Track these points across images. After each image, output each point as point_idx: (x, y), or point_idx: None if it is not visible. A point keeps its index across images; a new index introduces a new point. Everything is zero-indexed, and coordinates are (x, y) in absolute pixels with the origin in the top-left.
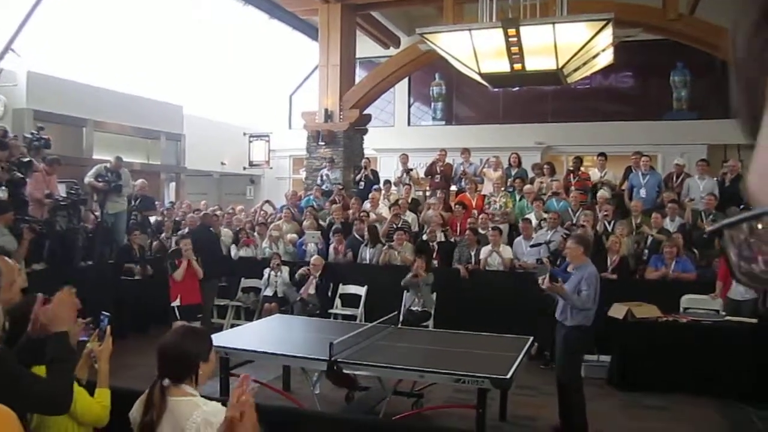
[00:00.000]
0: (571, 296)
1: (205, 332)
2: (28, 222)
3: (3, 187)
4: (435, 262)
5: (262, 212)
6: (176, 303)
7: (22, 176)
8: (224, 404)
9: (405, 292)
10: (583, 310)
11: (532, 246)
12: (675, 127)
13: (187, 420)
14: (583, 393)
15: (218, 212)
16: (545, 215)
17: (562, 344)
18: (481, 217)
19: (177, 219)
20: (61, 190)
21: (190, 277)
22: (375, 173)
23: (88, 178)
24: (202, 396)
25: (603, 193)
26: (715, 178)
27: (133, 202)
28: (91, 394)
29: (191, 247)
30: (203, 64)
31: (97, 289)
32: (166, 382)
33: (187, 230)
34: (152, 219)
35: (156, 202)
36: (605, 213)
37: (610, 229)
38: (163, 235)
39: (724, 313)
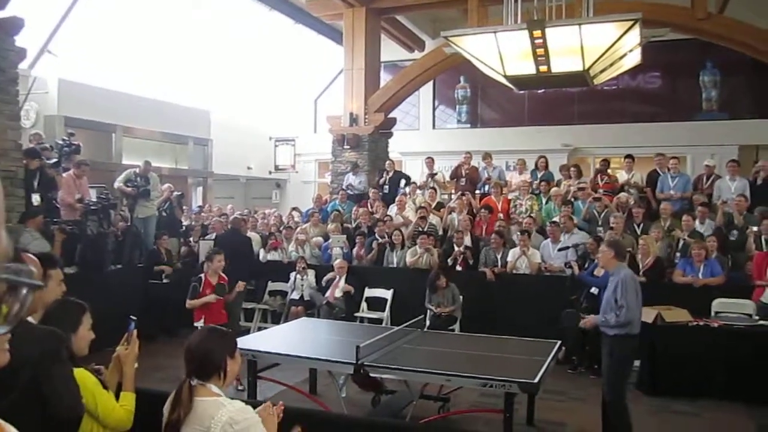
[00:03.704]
0: (609, 321)
1: (228, 331)
2: (58, 223)
3: (35, 193)
4: (459, 267)
5: (290, 217)
6: (199, 323)
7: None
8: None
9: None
10: (629, 321)
11: (559, 249)
12: (705, 128)
13: (212, 419)
14: (628, 416)
15: (246, 216)
16: (575, 219)
17: (607, 357)
18: (512, 226)
19: (205, 223)
20: (92, 195)
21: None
22: (400, 173)
23: (118, 183)
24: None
25: (624, 195)
26: (746, 179)
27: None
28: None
29: (223, 263)
30: (230, 70)
31: (126, 293)
32: (194, 381)
33: (214, 235)
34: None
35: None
36: (635, 216)
37: (639, 231)
38: (191, 239)
39: (757, 317)
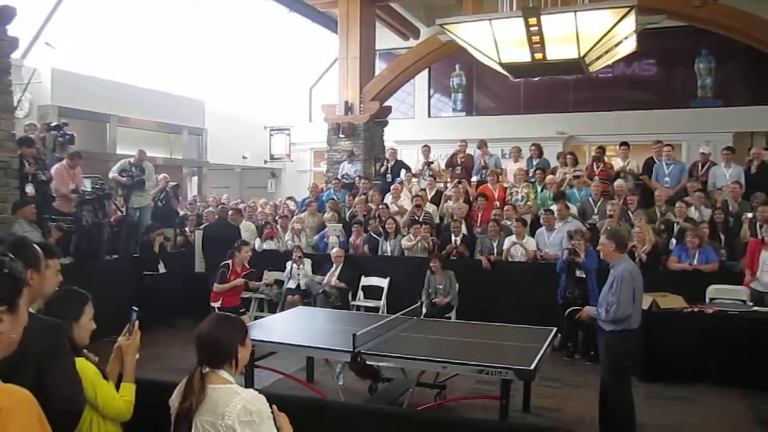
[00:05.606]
0: (601, 315)
1: (238, 318)
2: (56, 220)
3: (29, 183)
4: (454, 257)
5: (284, 206)
6: (217, 304)
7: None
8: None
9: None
10: (620, 319)
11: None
12: (700, 116)
13: (227, 407)
14: (633, 410)
15: (241, 205)
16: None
17: (604, 352)
18: (506, 210)
19: (200, 213)
20: (87, 185)
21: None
22: (401, 162)
23: (113, 173)
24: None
25: (620, 182)
26: (741, 166)
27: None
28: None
29: (250, 253)
30: (224, 59)
31: (122, 283)
32: (206, 369)
33: (206, 224)
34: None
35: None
36: (630, 203)
37: (633, 219)
38: (187, 229)
39: (751, 303)
